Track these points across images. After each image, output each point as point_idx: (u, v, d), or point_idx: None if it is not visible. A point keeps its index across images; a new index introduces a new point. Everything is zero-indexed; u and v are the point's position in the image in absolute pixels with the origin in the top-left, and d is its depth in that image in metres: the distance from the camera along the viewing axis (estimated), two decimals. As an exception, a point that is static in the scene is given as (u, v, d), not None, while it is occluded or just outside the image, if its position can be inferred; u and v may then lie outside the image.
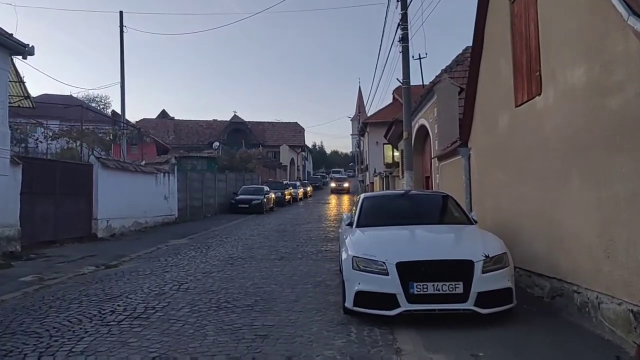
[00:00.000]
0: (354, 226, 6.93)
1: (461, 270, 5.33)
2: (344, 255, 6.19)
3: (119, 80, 22.78)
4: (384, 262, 5.42)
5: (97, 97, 44.94)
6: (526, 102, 6.89)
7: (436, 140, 13.69)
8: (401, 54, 13.81)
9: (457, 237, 6.44)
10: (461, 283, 5.27)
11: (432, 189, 15.11)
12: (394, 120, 19.86)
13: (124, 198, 15.87)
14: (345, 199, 39.39)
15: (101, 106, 46.36)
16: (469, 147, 9.95)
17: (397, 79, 13.74)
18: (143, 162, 20.26)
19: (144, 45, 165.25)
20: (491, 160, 8.63)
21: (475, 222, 6.95)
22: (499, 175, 8.19)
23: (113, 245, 13.38)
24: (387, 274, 5.37)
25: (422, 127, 15.91)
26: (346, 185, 49.66)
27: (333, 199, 40.26)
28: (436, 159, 13.50)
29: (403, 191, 10.85)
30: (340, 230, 8.58)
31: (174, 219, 20.38)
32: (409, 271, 5.32)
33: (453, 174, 11.76)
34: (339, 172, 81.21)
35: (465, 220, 6.93)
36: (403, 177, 21.75)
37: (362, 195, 8.00)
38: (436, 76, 18.37)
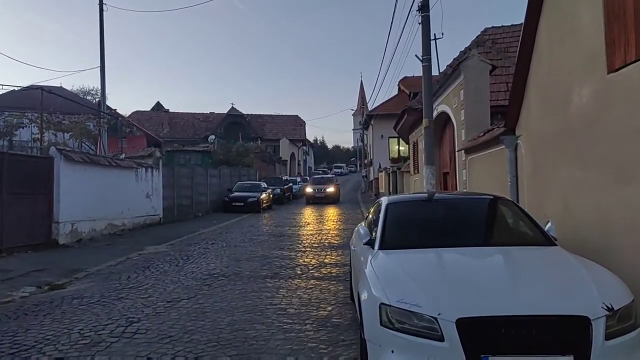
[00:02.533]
0: (375, 247, 4.54)
1: (570, 334, 3.11)
2: (363, 296, 3.90)
3: (100, 65, 20.62)
4: (435, 318, 3.18)
5: (92, 89, 42.53)
6: (632, 62, 4.63)
7: (462, 129, 11.42)
8: (420, 25, 11.53)
9: (547, 270, 4.01)
10: (571, 358, 3.05)
11: (454, 188, 12.85)
12: (406, 109, 17.55)
13: (94, 197, 13.62)
14: (331, 213, 23.18)
15: (96, 99, 43.96)
16: (516, 134, 7.70)
17: (416, 55, 11.48)
18: (123, 156, 17.99)
19: (141, 38, 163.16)
20: (557, 152, 6.36)
21: (555, 240, 4.68)
22: (572, 171, 5.93)
23: (74, 254, 11.15)
24: (441, 339, 3.14)
25: (442, 115, 13.62)
26: (330, 190, 30.37)
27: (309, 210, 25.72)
28: (463, 151, 11.24)
29: (426, 193, 8.64)
30: (352, 248, 6.20)
31: (158, 220, 18.13)
32: (480, 335, 3.11)
33: (488, 170, 9.52)
34: (340, 167, 78.70)
35: (540, 239, 4.61)
36: (415, 173, 19.56)
37: (386, 200, 5.52)
38: (454, 58, 16.08)
